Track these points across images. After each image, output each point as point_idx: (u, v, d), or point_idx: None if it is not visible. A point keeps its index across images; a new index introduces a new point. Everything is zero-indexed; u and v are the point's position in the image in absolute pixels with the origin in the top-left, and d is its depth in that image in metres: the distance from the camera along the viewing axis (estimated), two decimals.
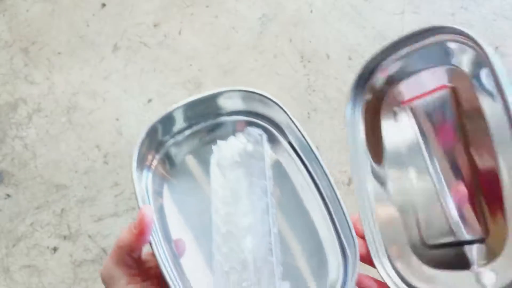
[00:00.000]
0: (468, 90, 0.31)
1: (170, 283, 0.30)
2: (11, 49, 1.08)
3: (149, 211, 0.31)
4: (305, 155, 0.39)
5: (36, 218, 0.91)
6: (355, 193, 0.39)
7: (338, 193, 0.36)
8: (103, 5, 1.13)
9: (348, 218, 0.36)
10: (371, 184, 0.39)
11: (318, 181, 0.38)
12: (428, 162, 0.35)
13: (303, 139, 0.37)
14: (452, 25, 0.31)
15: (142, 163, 0.37)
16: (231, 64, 1.05)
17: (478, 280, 0.30)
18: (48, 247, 0.88)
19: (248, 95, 0.39)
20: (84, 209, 0.91)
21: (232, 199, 0.37)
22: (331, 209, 0.38)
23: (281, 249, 0.36)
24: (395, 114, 0.38)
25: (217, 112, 0.40)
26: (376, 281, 0.37)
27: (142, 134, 0.36)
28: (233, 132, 0.41)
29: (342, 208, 0.36)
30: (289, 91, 0.99)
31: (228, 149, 0.39)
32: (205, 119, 0.40)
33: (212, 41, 1.08)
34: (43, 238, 0.89)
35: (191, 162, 0.40)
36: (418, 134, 0.36)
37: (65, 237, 0.89)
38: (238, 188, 0.37)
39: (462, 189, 0.33)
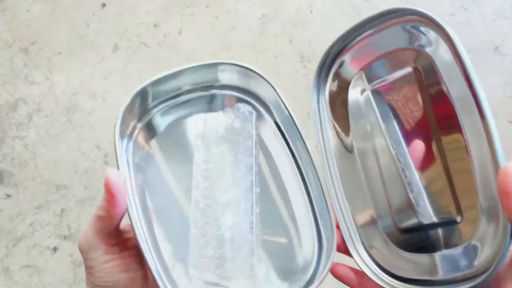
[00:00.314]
0: (431, 70, 0.31)
1: (145, 252, 0.30)
2: (11, 49, 1.08)
3: (114, 174, 0.30)
4: (290, 136, 0.39)
5: (36, 218, 0.91)
6: (327, 182, 0.38)
7: (320, 176, 0.36)
8: (103, 5, 1.13)
9: (327, 203, 0.35)
10: (342, 170, 0.38)
11: (300, 164, 0.38)
12: (391, 143, 0.35)
13: (290, 118, 0.37)
14: (412, 7, 0.31)
15: (124, 130, 0.36)
16: None
17: (451, 263, 0.30)
18: (48, 247, 0.88)
19: (242, 70, 0.38)
20: (84, 209, 0.91)
21: (214, 174, 0.36)
22: (311, 192, 0.37)
23: (261, 229, 0.36)
24: (361, 96, 0.37)
25: (207, 84, 0.39)
26: (352, 269, 0.36)
27: (129, 97, 0.35)
28: (221, 106, 0.40)
29: (323, 192, 0.36)
30: (289, 91, 0.99)
31: (215, 123, 0.38)
32: (194, 90, 0.39)
33: (212, 41, 1.08)
34: (43, 238, 0.89)
35: (175, 133, 0.39)
36: (383, 115, 0.35)
37: (65, 237, 0.89)
38: (222, 163, 0.37)
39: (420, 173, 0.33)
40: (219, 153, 0.37)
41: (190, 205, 0.35)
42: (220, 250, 0.34)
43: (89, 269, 0.31)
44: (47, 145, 0.97)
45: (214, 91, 0.40)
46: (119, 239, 0.32)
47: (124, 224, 0.33)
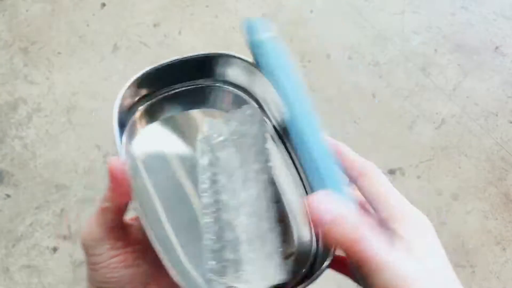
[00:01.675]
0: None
1: (156, 245, 0.28)
2: (11, 49, 1.08)
3: (117, 161, 0.28)
4: (283, 131, 0.38)
5: (36, 218, 0.90)
6: None
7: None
8: (103, 5, 1.13)
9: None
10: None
11: (298, 168, 0.37)
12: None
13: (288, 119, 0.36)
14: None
15: (122, 119, 0.34)
16: None
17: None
18: (48, 247, 0.88)
19: (247, 66, 0.38)
20: (84, 209, 0.91)
21: (222, 178, 0.35)
22: (306, 186, 0.37)
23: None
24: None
25: (207, 76, 0.39)
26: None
27: (127, 83, 0.33)
28: (221, 102, 0.39)
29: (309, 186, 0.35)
30: None
31: (220, 126, 0.37)
32: (192, 82, 0.38)
33: (212, 41, 1.08)
34: (43, 238, 0.89)
35: (172, 126, 0.37)
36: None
37: (65, 237, 0.89)
38: (229, 167, 0.36)
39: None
40: (225, 157, 0.36)
41: (201, 210, 0.34)
42: (237, 253, 0.33)
43: (92, 265, 0.30)
44: (47, 145, 0.97)
45: (214, 84, 0.39)
46: (124, 233, 0.31)
47: (128, 218, 0.32)
